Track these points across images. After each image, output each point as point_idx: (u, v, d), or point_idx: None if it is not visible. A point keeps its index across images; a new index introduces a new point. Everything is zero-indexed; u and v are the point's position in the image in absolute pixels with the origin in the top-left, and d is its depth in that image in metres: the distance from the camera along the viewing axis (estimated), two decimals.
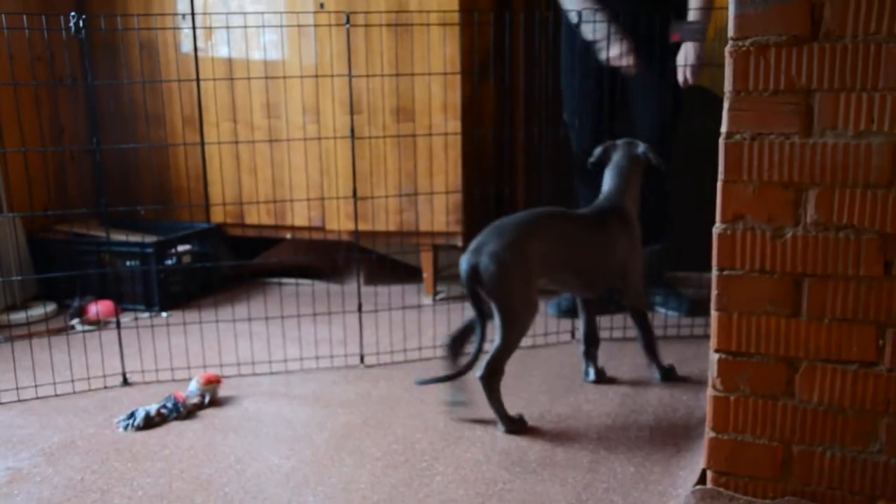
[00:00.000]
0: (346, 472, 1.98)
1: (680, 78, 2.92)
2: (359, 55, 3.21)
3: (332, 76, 3.25)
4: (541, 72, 3.17)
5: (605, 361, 2.66)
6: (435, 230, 3.33)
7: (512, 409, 2.29)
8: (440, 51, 3.15)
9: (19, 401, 2.46)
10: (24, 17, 2.91)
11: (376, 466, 2.00)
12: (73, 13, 2.45)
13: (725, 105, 1.58)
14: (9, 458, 2.08)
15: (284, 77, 3.34)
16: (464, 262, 2.18)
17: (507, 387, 2.48)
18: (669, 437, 2.13)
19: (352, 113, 2.73)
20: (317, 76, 3.30)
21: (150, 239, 3.45)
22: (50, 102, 3.71)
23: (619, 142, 2.54)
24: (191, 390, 2.40)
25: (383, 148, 3.27)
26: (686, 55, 2.90)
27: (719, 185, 1.62)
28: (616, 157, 2.52)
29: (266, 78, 3.41)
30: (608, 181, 2.51)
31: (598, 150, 2.55)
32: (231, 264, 3.79)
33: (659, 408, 2.32)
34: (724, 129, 1.59)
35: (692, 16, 2.90)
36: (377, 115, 3.27)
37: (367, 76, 3.15)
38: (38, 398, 2.48)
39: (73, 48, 3.75)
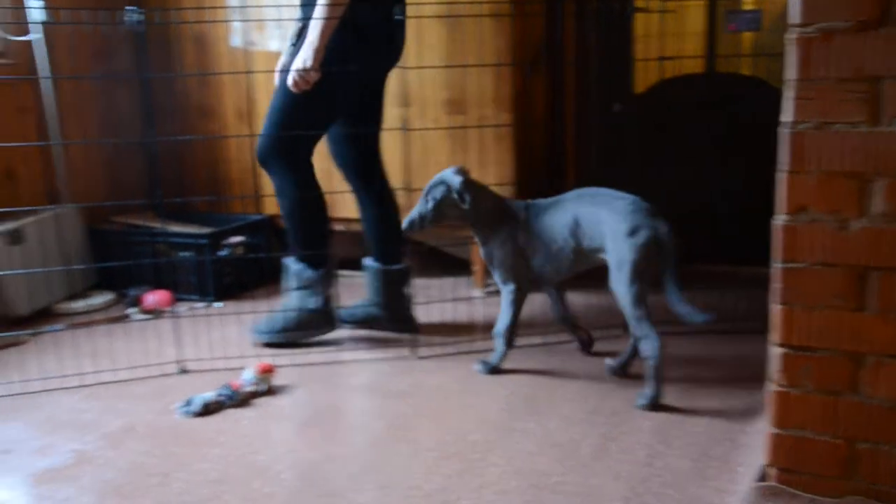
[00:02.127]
0: (400, 461, 1.99)
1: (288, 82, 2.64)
2: (409, 47, 3.20)
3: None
4: (592, 62, 3.15)
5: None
6: None
7: (563, 405, 2.29)
8: (491, 42, 3.15)
9: (82, 386, 2.52)
10: (86, 12, 2.96)
11: (430, 457, 2.01)
12: (131, 7, 2.49)
13: (788, 94, 1.55)
14: (75, 441, 2.14)
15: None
16: (642, 236, 2.27)
17: (557, 381, 2.48)
18: (726, 432, 2.11)
19: (404, 105, 2.73)
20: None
21: (203, 230, 3.50)
22: (108, 96, 3.79)
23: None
24: (246, 379, 2.43)
25: (434, 140, 3.27)
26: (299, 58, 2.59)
27: (781, 175, 1.59)
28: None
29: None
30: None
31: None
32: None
33: (716, 402, 2.29)
34: (786, 118, 1.56)
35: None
36: (428, 107, 3.27)
37: (420, 68, 3.15)
38: (99, 384, 2.54)
39: (130, 43, 3.83)
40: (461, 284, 3.55)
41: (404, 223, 2.50)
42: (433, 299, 3.14)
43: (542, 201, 2.54)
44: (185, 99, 3.79)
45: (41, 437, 2.18)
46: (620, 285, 2.31)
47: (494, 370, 2.55)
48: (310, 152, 2.79)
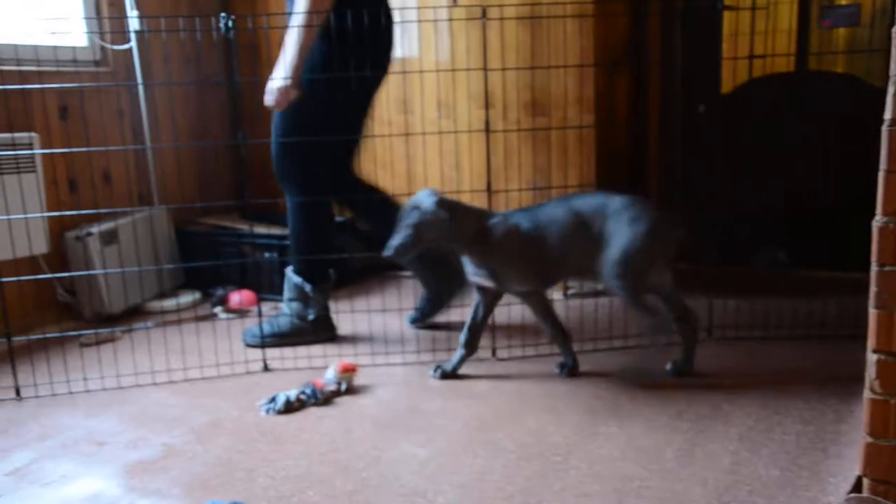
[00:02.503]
0: (479, 462, 1.99)
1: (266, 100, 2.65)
2: (492, 49, 3.21)
3: (467, 70, 3.26)
4: (676, 62, 3.09)
5: (748, 361, 2.58)
6: None
7: (645, 408, 2.25)
8: (574, 43, 3.12)
9: (170, 382, 2.60)
10: (181, 19, 3.05)
11: (510, 458, 2.00)
12: (222, 14, 2.56)
13: (890, 90, 1.49)
14: (164, 435, 2.21)
15: (421, 72, 3.36)
16: (644, 224, 2.36)
17: (638, 384, 2.43)
18: (817, 440, 2.03)
19: (487, 107, 2.72)
20: (452, 70, 3.30)
21: (287, 231, 3.56)
22: (198, 100, 3.90)
23: None
24: (328, 378, 2.46)
25: (516, 142, 3.26)
26: (276, 75, 2.60)
27: (881, 175, 1.53)
28: None
29: (400, 73, 3.46)
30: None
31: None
32: (365, 256, 3.87)
33: (805, 409, 2.22)
34: (887, 115, 1.50)
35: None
36: (510, 109, 3.26)
37: (503, 69, 3.14)
38: (186, 380, 2.61)
39: (220, 48, 3.94)
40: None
41: (387, 250, 2.43)
42: (513, 301, 3.12)
43: (528, 207, 2.54)
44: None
45: (133, 430, 2.25)
46: (617, 271, 2.37)
47: (573, 372, 2.54)
48: (321, 167, 2.79)
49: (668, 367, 2.52)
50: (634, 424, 2.16)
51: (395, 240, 2.41)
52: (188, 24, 3.46)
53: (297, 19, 2.52)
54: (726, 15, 3.45)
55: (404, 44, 3.48)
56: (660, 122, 3.70)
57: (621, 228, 2.37)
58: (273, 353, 2.77)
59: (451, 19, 3.29)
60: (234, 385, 2.57)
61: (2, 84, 2.93)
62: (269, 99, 2.63)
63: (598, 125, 3.21)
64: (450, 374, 2.57)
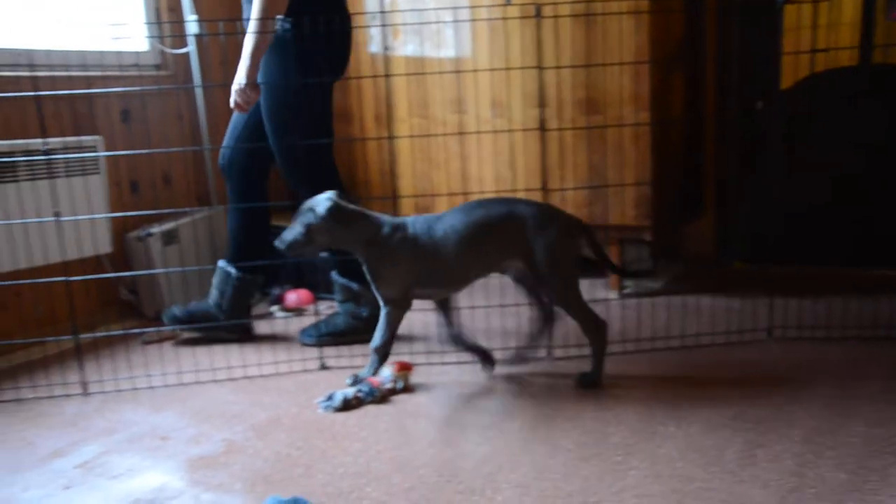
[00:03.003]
0: (538, 461, 1.98)
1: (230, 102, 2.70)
2: (546, 48, 3.20)
3: (521, 69, 3.25)
4: (734, 58, 3.04)
5: (810, 361, 2.53)
6: (621, 224, 3.27)
7: (704, 409, 2.22)
8: (630, 40, 3.09)
9: (230, 379, 2.65)
10: (238, 23, 3.10)
11: (568, 457, 1.99)
12: (279, 16, 2.60)
13: None
14: (225, 431, 2.25)
15: (475, 71, 3.35)
16: (555, 228, 2.39)
17: (696, 385, 2.41)
18: (885, 444, 1.98)
19: (542, 105, 2.71)
20: (507, 69, 3.29)
21: None
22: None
23: None
24: (385, 376, 2.48)
25: (570, 141, 3.24)
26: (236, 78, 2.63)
27: None
28: None
29: (454, 72, 3.47)
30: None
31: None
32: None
33: (871, 412, 2.16)
34: None
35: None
36: (564, 107, 3.24)
37: (558, 68, 3.12)
38: (246, 378, 2.66)
39: None
40: (596, 286, 3.50)
41: (279, 241, 2.41)
42: None
43: (427, 215, 2.51)
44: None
45: (194, 425, 2.30)
46: (551, 281, 2.40)
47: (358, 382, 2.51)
48: (330, 164, 2.90)
49: (575, 379, 2.48)
50: (693, 425, 2.14)
51: (288, 235, 2.40)
52: (245, 26, 3.51)
53: (252, 25, 2.57)
54: (788, 8, 3.37)
55: (457, 44, 3.49)
56: (716, 119, 3.65)
57: (544, 234, 2.36)
58: (330, 351, 2.80)
59: (505, 18, 3.28)
60: (291, 383, 2.60)
61: (69, 89, 3.02)
62: (232, 101, 2.67)
63: (654, 123, 3.17)
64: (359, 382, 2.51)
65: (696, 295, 3.29)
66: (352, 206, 2.44)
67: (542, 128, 2.67)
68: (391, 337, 2.51)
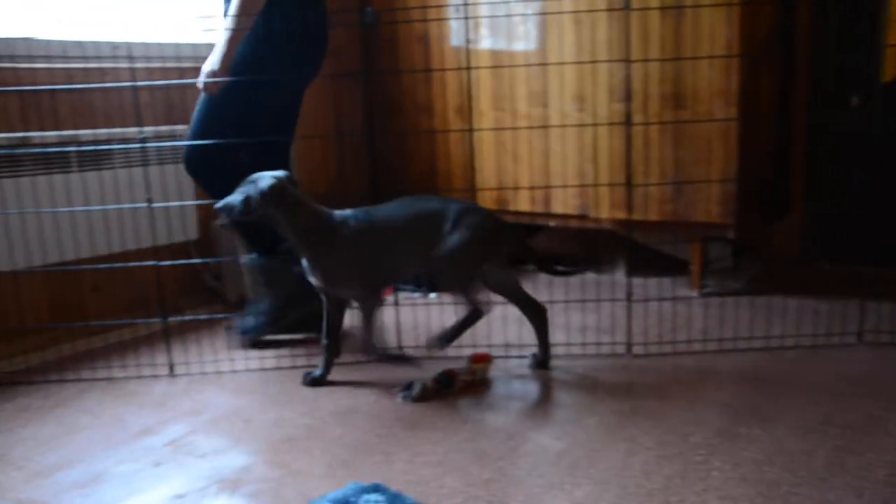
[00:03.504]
0: (618, 458, 1.96)
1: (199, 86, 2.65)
2: (633, 41, 3.15)
3: (609, 62, 3.21)
4: (829, 50, 2.93)
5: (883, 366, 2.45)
6: (705, 221, 3.20)
7: (791, 412, 2.17)
8: (719, 33, 3.02)
9: (310, 366, 2.69)
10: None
11: (649, 456, 1.96)
12: (368, 9, 2.62)
13: None
14: (306, 416, 2.29)
15: (560, 63, 3.32)
16: (471, 222, 2.46)
17: (781, 387, 2.35)
18: None
19: (629, 100, 2.66)
20: (593, 62, 3.26)
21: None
22: (336, 94, 4.01)
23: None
24: (463, 367, 2.49)
25: (653, 135, 3.19)
26: (207, 63, 2.60)
27: None
28: None
29: (537, 65, 3.44)
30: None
31: None
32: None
33: None
34: None
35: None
36: (650, 102, 3.19)
37: (647, 61, 3.07)
38: None
39: (358, 42, 4.04)
40: (676, 284, 3.45)
41: (217, 205, 2.35)
42: (650, 297, 3.06)
43: (369, 208, 2.49)
44: (410, 96, 3.94)
45: (276, 410, 2.35)
46: (452, 270, 2.45)
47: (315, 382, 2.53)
48: (249, 163, 2.72)
49: (528, 360, 2.62)
50: (779, 428, 2.08)
51: (227, 199, 2.34)
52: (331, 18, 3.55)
53: (230, 21, 2.56)
54: None
55: (541, 36, 3.47)
56: (807, 115, 3.54)
57: (456, 231, 2.43)
58: (409, 341, 2.82)
59: (592, 10, 3.24)
60: (370, 371, 2.63)
61: (164, 79, 3.12)
62: (200, 84, 2.66)
63: (742, 118, 3.09)
64: (319, 381, 2.53)
65: (781, 296, 3.20)
66: (297, 192, 2.39)
67: (629, 122, 2.61)
68: (370, 330, 2.50)
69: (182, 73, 3.20)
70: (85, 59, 3.00)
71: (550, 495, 1.80)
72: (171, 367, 2.70)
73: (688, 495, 1.77)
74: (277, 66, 2.66)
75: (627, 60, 2.64)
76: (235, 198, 2.33)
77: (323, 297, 2.53)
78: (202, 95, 2.70)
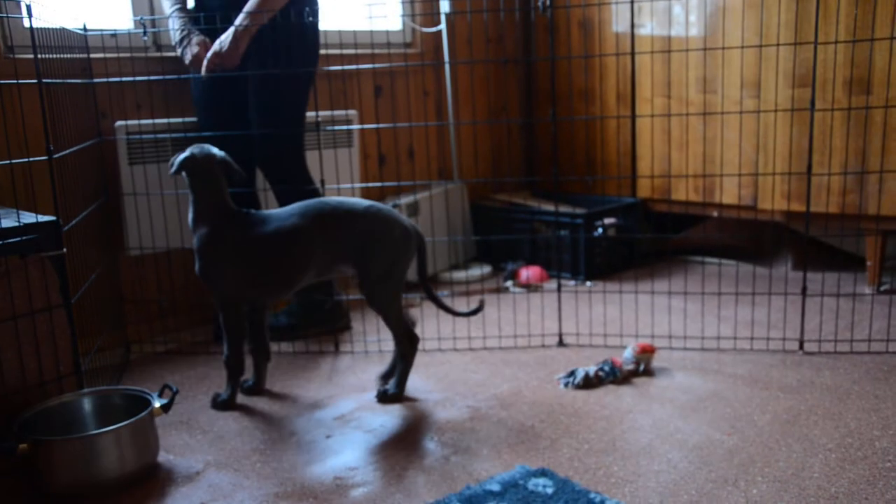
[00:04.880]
0: (794, 458, 1.88)
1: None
2: (808, 22, 2.99)
3: (793, 44, 3.05)
4: None
5: None
6: (889, 214, 3.00)
7: (889, 428, 2.01)
8: None
9: (469, 349, 2.73)
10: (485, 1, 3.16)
11: (829, 458, 1.87)
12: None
13: None
14: (469, 398, 2.32)
15: (742, 48, 3.12)
16: (395, 236, 2.26)
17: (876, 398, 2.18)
18: None
19: (814, 84, 2.51)
20: (777, 45, 3.06)
21: (578, 210, 3.59)
22: (497, 80, 4.03)
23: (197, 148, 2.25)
24: (626, 357, 2.45)
25: (831, 123, 3.02)
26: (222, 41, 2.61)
27: None
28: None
29: (711, 49, 3.32)
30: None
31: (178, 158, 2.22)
32: (656, 237, 3.81)
33: None
34: None
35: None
36: (827, 87, 3.01)
37: (835, 43, 2.90)
38: (485, 349, 2.72)
39: (520, 29, 4.03)
40: (849, 280, 3.26)
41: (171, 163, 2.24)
42: (815, 293, 2.91)
43: (269, 211, 2.30)
44: (569, 83, 3.91)
45: (439, 391, 2.39)
46: (376, 290, 2.25)
47: (224, 405, 2.34)
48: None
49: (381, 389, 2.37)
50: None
51: (178, 157, 2.22)
52: (494, 4, 3.57)
53: (246, 16, 2.58)
54: None
55: (708, 20, 3.35)
56: None
57: (371, 239, 2.22)
58: (569, 327, 2.81)
59: None
60: (530, 357, 2.63)
61: (326, 66, 3.22)
62: (207, 62, 2.64)
63: None
64: (254, 391, 2.41)
65: None
66: (213, 174, 2.23)
67: (813, 107, 2.47)
68: (238, 345, 2.31)
69: (344, 60, 3.29)
70: None
71: (724, 491, 1.74)
72: (336, 346, 2.80)
73: (876, 501, 1.67)
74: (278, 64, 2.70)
75: (815, 42, 2.49)
76: (181, 156, 2.25)
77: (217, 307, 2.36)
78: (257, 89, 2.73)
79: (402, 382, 2.35)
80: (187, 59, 2.70)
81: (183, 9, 2.76)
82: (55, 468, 1.82)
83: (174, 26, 2.72)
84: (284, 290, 2.28)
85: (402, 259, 2.27)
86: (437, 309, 2.43)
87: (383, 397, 2.33)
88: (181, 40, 2.71)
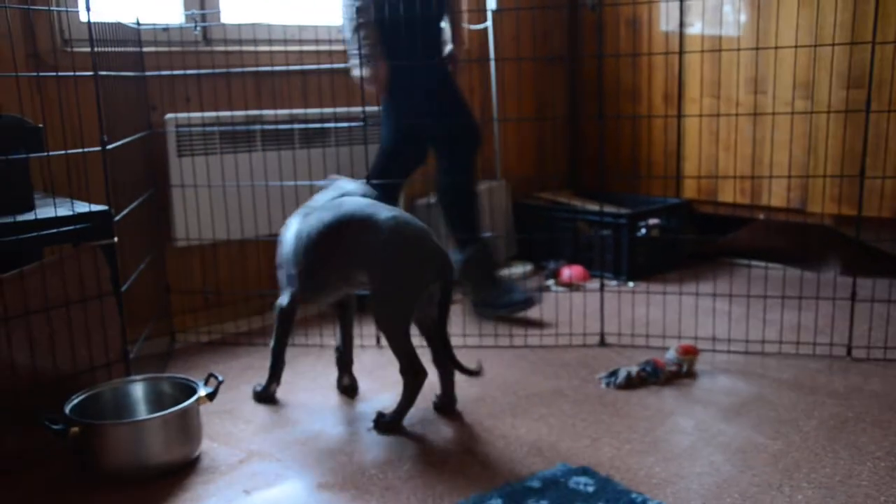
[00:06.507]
0: (841, 465, 1.85)
1: None
2: (865, 22, 2.93)
3: (849, 44, 2.98)
4: None
5: None
6: None
7: None
8: None
9: (511, 347, 2.72)
10: None
11: (879, 466, 1.84)
12: None
13: None
14: (510, 395, 2.31)
15: (800, 47, 3.01)
16: (419, 252, 2.08)
17: None
18: None
19: (870, 86, 2.45)
20: (833, 45, 2.97)
21: (622, 210, 3.56)
22: (542, 78, 4.01)
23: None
24: (668, 358, 2.43)
25: (885, 126, 2.95)
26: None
27: None
28: None
29: (762, 48, 3.26)
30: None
31: None
32: (701, 239, 3.76)
33: None
34: None
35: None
36: (883, 87, 2.95)
37: (894, 43, 2.82)
38: (526, 346, 2.72)
39: (566, 27, 4.01)
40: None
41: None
42: (865, 299, 2.85)
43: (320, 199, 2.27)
44: (615, 81, 3.88)
45: (480, 387, 2.38)
46: (378, 310, 2.08)
47: (261, 398, 2.34)
48: None
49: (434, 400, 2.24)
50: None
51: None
52: (540, 1, 3.56)
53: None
54: None
55: (759, 20, 3.30)
56: None
57: (383, 254, 2.05)
58: (611, 328, 2.79)
59: None
60: (571, 356, 2.62)
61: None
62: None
63: None
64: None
65: None
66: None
67: (868, 109, 2.42)
68: (283, 342, 2.30)
69: None
70: (317, 42, 3.17)
71: (768, 496, 1.72)
72: (378, 339, 2.81)
73: None
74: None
75: (873, 42, 2.43)
76: None
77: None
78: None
79: (399, 412, 2.12)
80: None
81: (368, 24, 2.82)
82: (104, 452, 1.86)
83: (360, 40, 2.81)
84: (310, 284, 2.19)
85: (413, 285, 2.05)
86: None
87: (377, 424, 2.12)
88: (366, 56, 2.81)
